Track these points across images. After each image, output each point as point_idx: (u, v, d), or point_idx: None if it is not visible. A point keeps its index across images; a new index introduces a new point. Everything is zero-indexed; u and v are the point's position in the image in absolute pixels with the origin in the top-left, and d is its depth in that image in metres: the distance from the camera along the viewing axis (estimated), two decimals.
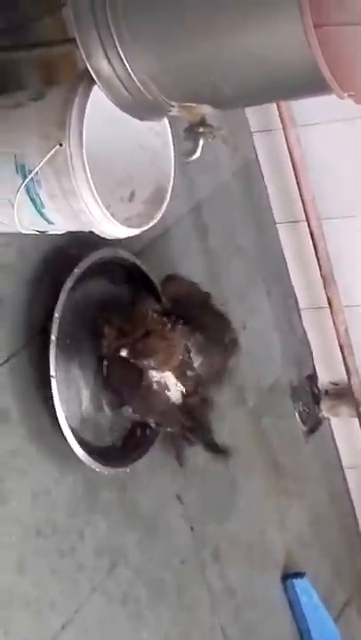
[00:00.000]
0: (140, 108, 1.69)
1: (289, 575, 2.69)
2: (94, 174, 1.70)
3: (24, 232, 1.81)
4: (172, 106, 1.67)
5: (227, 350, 2.14)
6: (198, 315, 2.09)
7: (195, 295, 2.14)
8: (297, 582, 2.68)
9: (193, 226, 2.47)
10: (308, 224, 2.67)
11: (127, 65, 1.63)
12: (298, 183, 2.63)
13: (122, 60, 1.63)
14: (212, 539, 2.43)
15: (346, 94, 1.57)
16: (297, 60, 1.51)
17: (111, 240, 2.01)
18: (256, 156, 2.70)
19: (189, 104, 1.66)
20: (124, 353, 1.96)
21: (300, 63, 1.51)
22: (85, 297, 2.03)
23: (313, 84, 1.55)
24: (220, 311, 2.18)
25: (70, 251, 2.03)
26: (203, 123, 1.69)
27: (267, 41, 1.52)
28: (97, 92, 1.68)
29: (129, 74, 1.64)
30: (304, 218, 2.67)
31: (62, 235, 1.91)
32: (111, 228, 1.75)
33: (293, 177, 2.63)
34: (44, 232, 1.83)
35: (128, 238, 2.13)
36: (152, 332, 1.98)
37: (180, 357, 2.00)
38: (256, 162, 2.70)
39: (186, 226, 2.44)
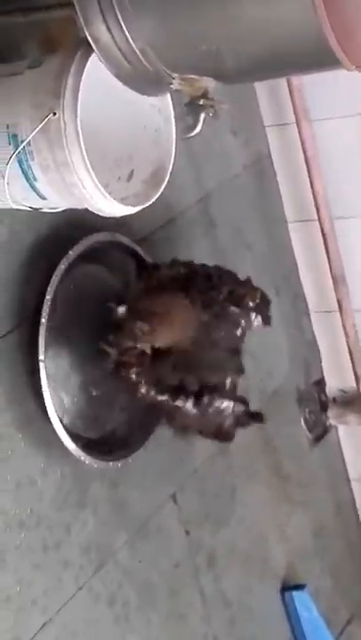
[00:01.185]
0: (140, 79, 1.63)
1: (288, 587, 2.60)
2: (92, 152, 1.64)
3: (16, 207, 1.74)
4: (173, 78, 1.60)
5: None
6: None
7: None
8: (297, 595, 2.59)
9: (199, 217, 2.40)
10: (320, 223, 2.60)
11: (127, 33, 1.57)
12: (310, 180, 2.56)
13: (121, 27, 1.56)
14: (208, 544, 2.35)
15: (354, 66, 1.48)
16: (302, 27, 1.44)
17: (109, 223, 1.96)
18: (269, 150, 2.62)
19: (191, 76, 1.60)
20: (121, 310, 1.85)
21: (305, 30, 1.44)
22: (80, 281, 1.96)
23: (319, 55, 1.47)
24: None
25: (66, 232, 1.96)
26: (204, 96, 1.62)
27: (270, 8, 1.45)
28: (98, 67, 1.62)
29: (129, 42, 1.57)
30: (316, 217, 2.60)
31: (58, 215, 1.84)
32: (105, 205, 1.68)
33: (306, 173, 2.56)
34: (37, 209, 1.76)
35: (129, 225, 2.08)
36: (156, 297, 1.87)
37: (184, 329, 1.87)
38: (268, 156, 2.63)
39: (192, 217, 2.37)
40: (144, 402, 1.95)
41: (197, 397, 1.95)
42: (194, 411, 1.95)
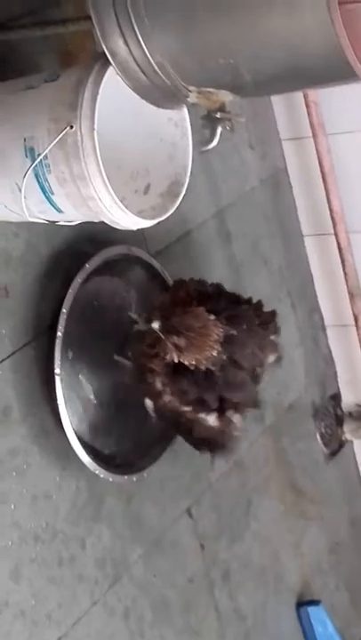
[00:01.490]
0: (157, 92, 1.63)
1: (303, 602, 2.58)
2: (109, 165, 1.64)
3: (33, 221, 1.74)
4: (190, 91, 1.60)
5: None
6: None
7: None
8: (312, 610, 2.58)
9: (216, 231, 2.39)
10: (336, 237, 2.59)
11: (144, 46, 1.57)
12: (327, 194, 2.56)
13: (139, 40, 1.57)
14: (223, 559, 2.34)
15: None
16: (320, 41, 1.44)
17: (125, 237, 1.96)
18: (285, 164, 2.62)
19: (208, 89, 1.59)
20: (155, 325, 1.84)
21: (322, 44, 1.44)
22: (96, 294, 1.96)
23: (336, 68, 1.47)
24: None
25: (82, 246, 1.96)
26: (221, 109, 1.62)
27: (288, 21, 1.45)
28: (115, 80, 1.62)
29: (146, 56, 1.57)
30: (332, 231, 2.59)
31: (74, 229, 1.84)
32: (122, 218, 1.68)
33: (323, 187, 2.55)
34: (54, 222, 1.76)
35: (145, 238, 2.08)
36: (189, 312, 1.86)
37: (214, 346, 1.86)
38: (285, 170, 2.63)
39: (208, 231, 2.36)
40: (164, 411, 1.93)
41: (221, 412, 1.94)
42: (216, 423, 1.94)
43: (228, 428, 1.99)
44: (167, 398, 1.90)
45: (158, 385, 1.90)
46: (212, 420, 1.94)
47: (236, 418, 1.99)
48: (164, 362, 1.85)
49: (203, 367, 1.85)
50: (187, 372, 1.86)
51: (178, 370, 1.86)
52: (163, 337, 1.83)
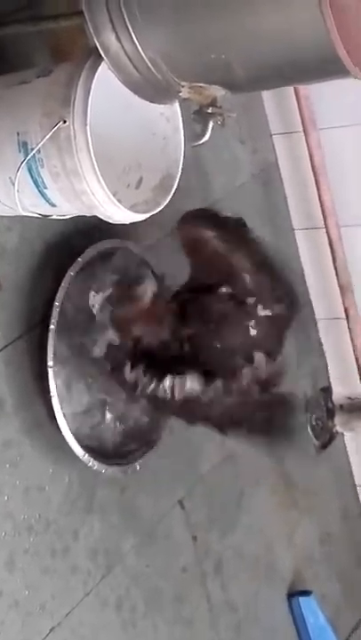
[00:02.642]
0: (149, 87, 1.64)
1: (295, 593, 2.60)
2: (101, 159, 1.65)
3: (26, 214, 1.75)
4: (182, 86, 1.61)
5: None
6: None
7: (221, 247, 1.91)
8: (303, 601, 2.60)
9: None
10: (327, 231, 2.61)
11: (136, 42, 1.58)
12: (318, 188, 2.57)
13: (131, 36, 1.58)
14: (215, 549, 2.35)
15: None
16: (311, 37, 1.45)
17: (117, 231, 1.97)
18: (276, 158, 2.64)
19: (200, 84, 1.61)
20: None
21: (314, 40, 1.45)
22: (89, 288, 1.97)
23: (327, 63, 1.48)
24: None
25: (74, 240, 1.97)
26: (213, 104, 1.63)
27: (280, 16, 1.46)
28: (107, 75, 1.63)
29: (138, 51, 1.59)
30: (323, 225, 2.61)
31: (66, 222, 1.85)
32: (114, 212, 1.69)
33: (313, 182, 2.57)
34: (47, 216, 1.77)
35: (137, 232, 2.09)
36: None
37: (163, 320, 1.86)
38: (276, 165, 2.64)
39: None
40: (157, 398, 1.94)
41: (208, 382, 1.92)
42: (210, 396, 1.91)
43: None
44: (144, 381, 1.91)
45: (132, 376, 1.91)
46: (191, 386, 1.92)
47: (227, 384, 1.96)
48: (127, 349, 1.87)
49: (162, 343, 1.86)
50: (149, 354, 1.87)
51: (143, 354, 1.88)
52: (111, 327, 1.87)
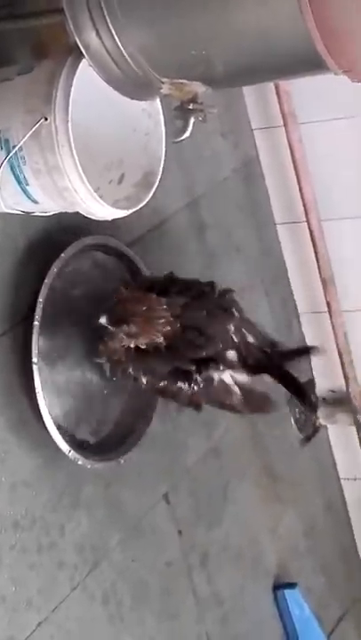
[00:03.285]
0: (130, 84, 1.65)
1: (280, 585, 2.61)
2: (83, 155, 1.66)
3: (8, 211, 1.76)
4: (163, 82, 1.62)
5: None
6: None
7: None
8: (288, 593, 2.61)
9: (189, 221, 2.41)
10: (309, 225, 2.62)
11: (117, 38, 1.59)
12: (299, 182, 2.58)
13: (111, 33, 1.59)
14: (200, 543, 2.36)
15: (341, 71, 1.51)
16: (290, 33, 1.47)
17: (100, 227, 1.98)
18: (257, 153, 2.64)
19: (180, 81, 1.62)
20: (103, 320, 1.88)
21: (293, 36, 1.47)
22: (72, 283, 1.97)
23: (307, 59, 1.50)
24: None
25: (58, 236, 1.98)
26: (194, 100, 1.64)
27: (260, 12, 1.48)
28: (88, 72, 1.64)
29: (118, 48, 1.60)
30: (304, 219, 2.62)
31: (50, 219, 1.86)
32: (97, 208, 1.70)
33: (294, 176, 2.58)
34: (29, 213, 1.78)
35: (120, 228, 2.10)
36: (133, 299, 1.90)
37: (166, 322, 1.89)
38: (257, 159, 2.65)
39: (182, 221, 2.38)
40: (151, 392, 1.97)
41: (191, 376, 1.97)
42: (195, 388, 1.97)
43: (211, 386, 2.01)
44: (144, 380, 1.95)
45: (131, 372, 1.94)
46: (186, 386, 1.97)
47: (222, 375, 2.01)
48: (126, 349, 1.89)
49: (162, 342, 1.89)
50: (151, 352, 1.90)
51: (141, 352, 1.90)
52: (112, 329, 1.87)
